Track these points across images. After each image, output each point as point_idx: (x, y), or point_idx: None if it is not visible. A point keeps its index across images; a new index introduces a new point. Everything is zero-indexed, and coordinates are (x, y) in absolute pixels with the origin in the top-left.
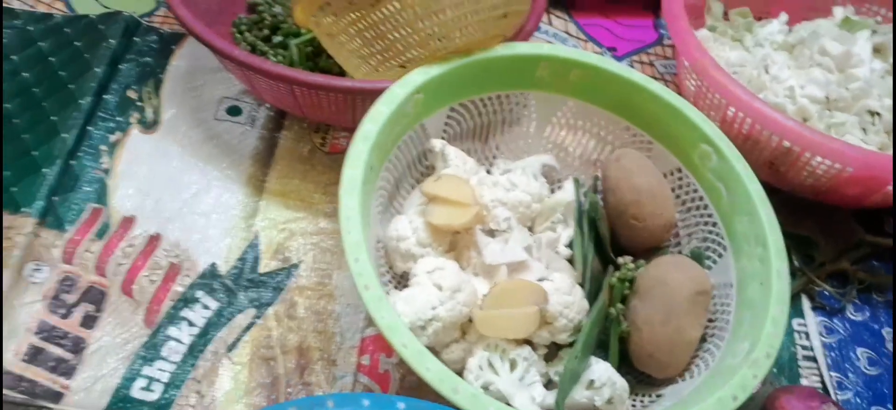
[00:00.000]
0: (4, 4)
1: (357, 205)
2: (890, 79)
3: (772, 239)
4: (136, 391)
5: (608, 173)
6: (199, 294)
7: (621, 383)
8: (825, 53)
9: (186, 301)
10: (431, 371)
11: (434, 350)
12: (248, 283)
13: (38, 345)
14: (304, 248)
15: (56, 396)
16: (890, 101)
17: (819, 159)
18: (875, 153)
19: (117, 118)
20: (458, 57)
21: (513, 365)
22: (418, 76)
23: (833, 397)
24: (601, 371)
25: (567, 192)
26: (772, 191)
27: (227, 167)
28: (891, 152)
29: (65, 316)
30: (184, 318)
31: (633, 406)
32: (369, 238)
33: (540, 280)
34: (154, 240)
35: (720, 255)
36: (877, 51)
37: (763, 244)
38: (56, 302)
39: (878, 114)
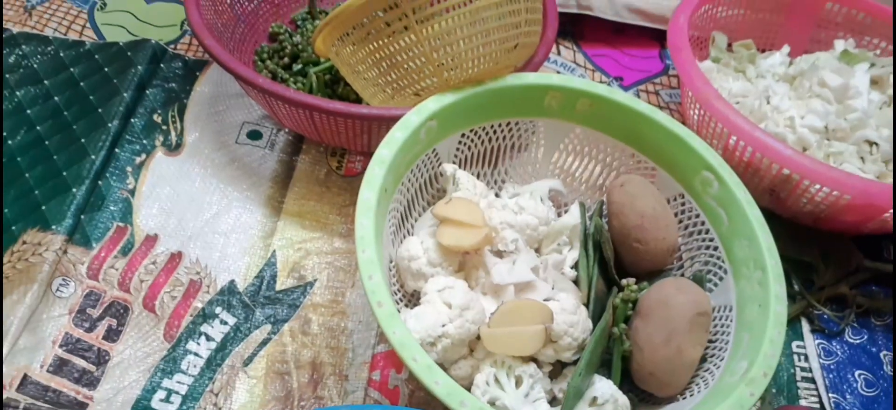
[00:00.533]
0: (38, 32)
1: (371, 225)
2: (888, 110)
3: (770, 263)
4: (156, 402)
5: (613, 198)
6: (218, 310)
7: (623, 400)
8: (824, 85)
9: (205, 316)
10: (440, 384)
11: (443, 367)
12: (264, 300)
13: (64, 357)
14: (319, 267)
15: (80, 406)
16: (888, 131)
17: (818, 187)
18: (872, 181)
19: (143, 141)
20: (470, 86)
21: (518, 382)
22: (433, 104)
23: None
24: (604, 388)
25: (573, 216)
26: (773, 218)
27: (246, 188)
28: (888, 181)
29: (89, 330)
30: (203, 333)
31: None
32: (382, 257)
33: (546, 300)
34: (176, 258)
35: (721, 278)
36: (874, 83)
37: (762, 268)
38: (81, 316)
39: (875, 143)
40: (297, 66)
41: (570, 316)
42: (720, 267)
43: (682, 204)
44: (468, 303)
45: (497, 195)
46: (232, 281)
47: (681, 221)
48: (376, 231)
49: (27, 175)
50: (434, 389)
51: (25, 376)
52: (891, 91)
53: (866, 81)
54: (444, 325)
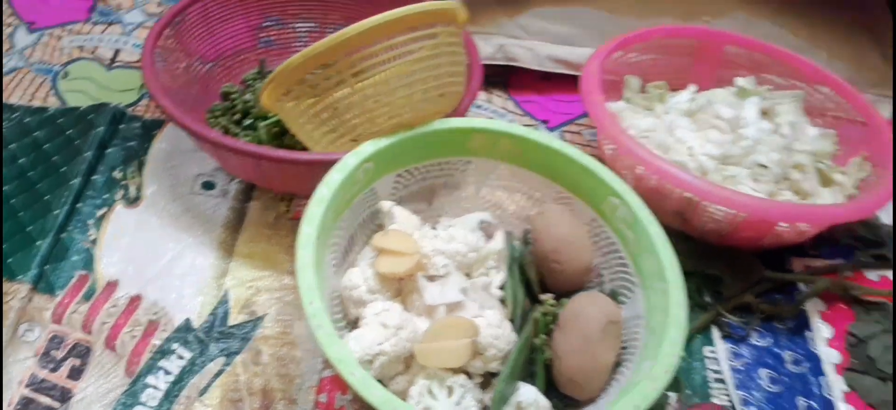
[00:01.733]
0: (3, 101)
1: (311, 256)
2: (776, 137)
3: (670, 274)
4: None
5: (534, 226)
6: (175, 346)
7: (545, 403)
8: (719, 117)
9: (163, 352)
10: (375, 395)
11: (382, 383)
12: (218, 335)
13: (29, 396)
14: (270, 302)
15: None
16: (777, 156)
17: (716, 207)
18: (762, 199)
19: (104, 196)
20: (402, 131)
21: (450, 392)
22: (368, 147)
23: None
24: (528, 393)
25: (499, 242)
26: (684, 238)
27: (200, 234)
28: (778, 199)
29: (53, 370)
30: (161, 367)
31: None
32: (324, 287)
33: (474, 317)
34: (135, 301)
35: (632, 291)
36: (765, 113)
37: (664, 279)
38: (46, 358)
39: (766, 166)
40: (247, 121)
41: (495, 329)
42: (631, 281)
43: (596, 227)
44: (402, 323)
45: (434, 228)
46: (187, 319)
47: (596, 243)
48: (316, 262)
49: None
50: (370, 399)
51: None
52: (778, 119)
53: (755, 112)
54: (380, 344)
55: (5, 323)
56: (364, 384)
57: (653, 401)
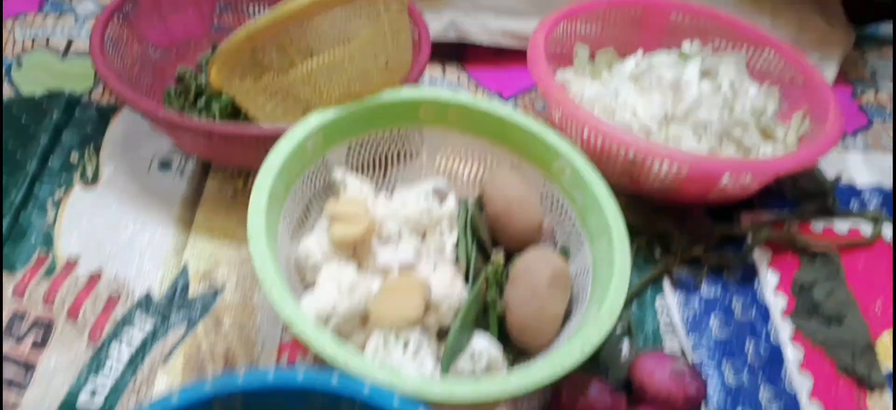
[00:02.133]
0: None
1: (262, 223)
2: (716, 96)
3: (614, 228)
4: (83, 397)
5: (485, 189)
6: (137, 316)
7: (496, 351)
8: (661, 79)
9: (125, 322)
10: (328, 349)
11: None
12: (179, 305)
13: None
14: (229, 273)
15: (11, 407)
16: (718, 113)
17: (659, 164)
18: (703, 156)
19: (61, 178)
20: (350, 102)
21: (406, 346)
22: (316, 119)
23: (689, 357)
24: (480, 343)
25: (450, 205)
26: (635, 197)
27: (159, 212)
28: (719, 155)
29: (17, 343)
30: (123, 337)
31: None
32: (279, 255)
33: (427, 276)
34: (95, 276)
35: (581, 247)
36: (705, 74)
37: (608, 233)
38: (8, 333)
39: (707, 124)
40: (201, 102)
41: (446, 287)
42: (579, 237)
43: (547, 189)
44: (356, 283)
45: (390, 196)
46: (148, 291)
47: (548, 203)
48: (268, 228)
49: None
50: (322, 352)
51: None
52: (719, 79)
53: (695, 73)
54: (334, 303)
55: None
56: (317, 340)
57: (597, 344)
